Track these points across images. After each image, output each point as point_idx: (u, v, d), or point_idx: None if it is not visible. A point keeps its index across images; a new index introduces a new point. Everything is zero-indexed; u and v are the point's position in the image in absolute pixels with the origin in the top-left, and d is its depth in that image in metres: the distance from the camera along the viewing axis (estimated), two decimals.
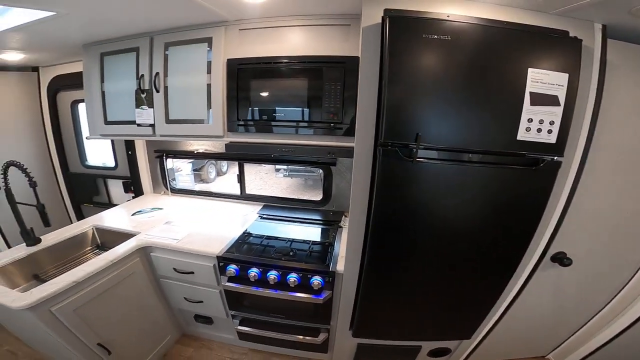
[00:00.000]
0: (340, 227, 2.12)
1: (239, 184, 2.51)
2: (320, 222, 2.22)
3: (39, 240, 1.84)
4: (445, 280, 1.50)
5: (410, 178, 1.25)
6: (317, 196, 2.38)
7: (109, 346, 1.71)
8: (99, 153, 2.88)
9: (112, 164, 2.77)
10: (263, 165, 2.57)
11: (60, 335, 1.50)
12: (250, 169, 2.73)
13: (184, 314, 2.21)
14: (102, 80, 2.05)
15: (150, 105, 1.94)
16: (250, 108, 1.77)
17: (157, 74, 1.89)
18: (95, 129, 2.14)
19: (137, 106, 1.96)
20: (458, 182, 1.25)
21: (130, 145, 2.58)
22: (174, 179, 2.69)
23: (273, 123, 1.75)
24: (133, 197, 2.80)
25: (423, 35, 1.08)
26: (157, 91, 1.91)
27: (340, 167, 2.22)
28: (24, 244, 1.81)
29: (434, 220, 1.33)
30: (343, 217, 2.23)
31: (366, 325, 1.71)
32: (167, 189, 2.67)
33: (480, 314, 1.67)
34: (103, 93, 2.07)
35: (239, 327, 1.99)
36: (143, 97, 1.95)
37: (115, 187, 2.89)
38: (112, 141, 2.70)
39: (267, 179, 2.65)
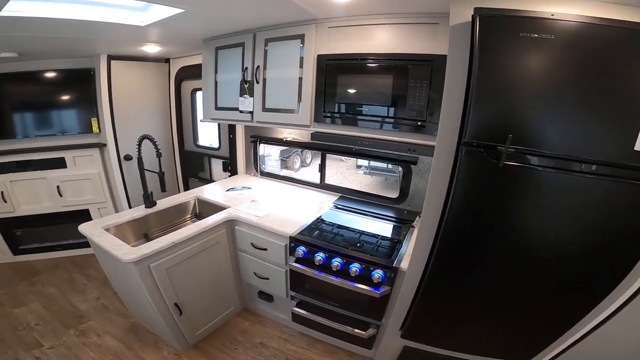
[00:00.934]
0: (413, 227, 2.08)
1: (319, 173, 2.66)
2: (393, 219, 2.22)
3: (154, 204, 2.26)
4: (516, 298, 1.37)
5: (494, 183, 1.17)
6: (394, 194, 2.38)
7: (182, 307, 1.94)
8: (207, 135, 3.35)
9: (216, 145, 3.21)
10: (345, 160, 2.67)
11: (149, 291, 1.77)
12: (332, 164, 2.85)
13: (250, 289, 2.41)
14: (216, 71, 2.39)
15: (251, 94, 2.20)
16: (336, 101, 1.87)
17: (258, 67, 2.13)
18: (208, 113, 2.52)
19: (241, 95, 2.24)
20: (554, 193, 1.13)
21: (232, 130, 2.95)
22: (263, 163, 2.98)
23: (358, 117, 1.82)
24: (229, 176, 3.19)
25: (520, 34, 1.02)
26: (257, 82, 2.15)
27: (422, 166, 2.17)
28: (143, 205, 2.24)
29: (516, 234, 1.24)
30: (417, 217, 2.19)
31: (418, 328, 1.69)
32: (256, 171, 2.98)
33: (550, 337, 1.48)
34: (216, 82, 2.41)
35: (295, 309, 2.10)
36: (246, 87, 2.21)
37: (217, 166, 3.33)
38: (219, 125, 3.12)
39: (347, 175, 2.73)
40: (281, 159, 3.22)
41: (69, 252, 3.31)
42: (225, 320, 2.40)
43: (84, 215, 3.20)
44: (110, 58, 2.88)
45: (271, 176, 2.93)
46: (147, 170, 2.16)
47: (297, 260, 1.92)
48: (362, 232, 2.00)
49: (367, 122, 1.78)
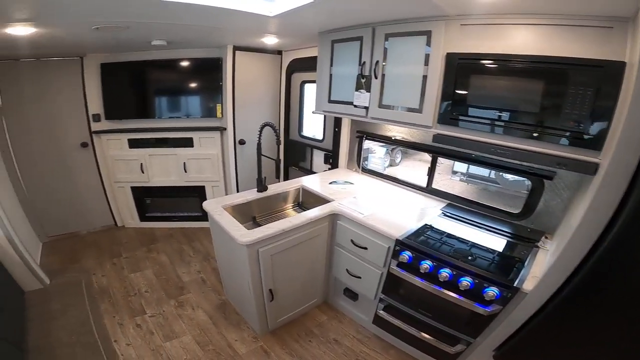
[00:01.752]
0: (537, 247, 1.81)
1: (427, 177, 2.50)
2: (509, 235, 1.95)
3: (266, 189, 2.38)
4: None
5: None
6: (500, 206, 2.14)
7: (274, 293, 2.01)
8: (312, 126, 3.44)
9: (320, 137, 3.26)
10: (441, 163, 2.47)
11: (252, 273, 1.86)
12: (418, 166, 2.69)
13: (336, 285, 2.40)
14: (331, 64, 2.39)
15: (368, 89, 2.14)
16: (467, 104, 1.69)
17: (377, 62, 2.05)
18: (321, 105, 2.55)
19: (357, 89, 2.20)
20: None
21: (338, 123, 2.96)
22: (365, 159, 2.94)
23: (496, 123, 1.60)
24: (329, 169, 3.22)
25: None
26: (376, 77, 2.08)
27: (558, 182, 1.86)
28: (255, 189, 2.37)
29: None
30: (543, 238, 1.90)
31: (518, 353, 1.55)
32: (358, 167, 2.95)
33: None
34: (331, 75, 2.42)
35: (381, 312, 2.03)
36: (362, 82, 2.16)
37: (318, 157, 3.39)
38: (325, 118, 3.16)
39: (438, 180, 2.52)
40: (382, 157, 3.13)
41: (182, 223, 3.77)
42: (306, 311, 2.44)
43: (200, 192, 3.59)
44: (235, 49, 3.13)
45: (373, 173, 2.86)
46: (264, 155, 2.28)
47: (400, 265, 1.82)
48: (473, 245, 1.81)
49: (507, 129, 1.57)
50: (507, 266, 1.64)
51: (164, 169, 3.43)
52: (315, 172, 3.41)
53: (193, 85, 3.29)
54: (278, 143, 2.16)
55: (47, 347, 2.06)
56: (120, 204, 3.61)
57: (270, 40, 2.85)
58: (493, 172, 2.34)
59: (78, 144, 3.26)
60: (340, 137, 2.97)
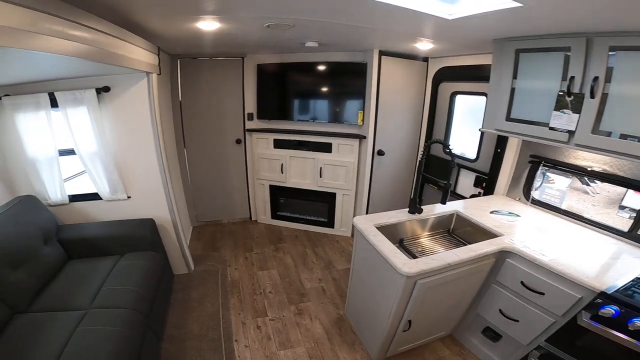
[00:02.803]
0: None
1: (632, 220, 1.91)
2: None
3: (420, 211, 2.14)
4: None
5: None
6: None
7: (413, 323, 1.86)
8: (461, 142, 3.06)
9: (472, 156, 2.86)
10: (591, 194, 1.85)
11: (399, 302, 1.70)
12: (579, 197, 2.09)
13: (476, 321, 2.12)
14: (514, 76, 2.00)
15: (576, 110, 1.70)
16: None
17: (596, 78, 1.60)
18: (493, 122, 2.17)
19: (557, 109, 1.77)
20: None
21: (501, 143, 2.53)
22: (536, 189, 2.43)
23: None
24: (479, 193, 2.81)
25: None
26: (592, 97, 1.63)
27: None
28: (406, 209, 2.15)
29: None
30: None
31: None
32: (525, 196, 2.46)
33: None
34: (512, 90, 2.02)
35: None
36: (567, 101, 1.72)
37: (466, 178, 3.00)
38: (481, 135, 2.76)
39: (592, 213, 1.90)
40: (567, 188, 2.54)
41: (307, 226, 3.82)
42: (431, 341, 2.25)
43: (330, 198, 3.57)
44: (381, 53, 2.96)
45: (547, 207, 2.34)
46: (431, 177, 2.05)
47: (596, 318, 1.45)
48: None
49: None
50: None
51: (301, 171, 3.51)
52: (458, 194, 3.05)
53: (336, 90, 3.26)
54: (453, 165, 1.89)
55: (179, 338, 2.21)
56: (258, 200, 3.86)
57: (424, 46, 2.58)
58: None
59: (234, 140, 3.59)
60: (502, 159, 2.54)
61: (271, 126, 3.53)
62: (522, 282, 1.76)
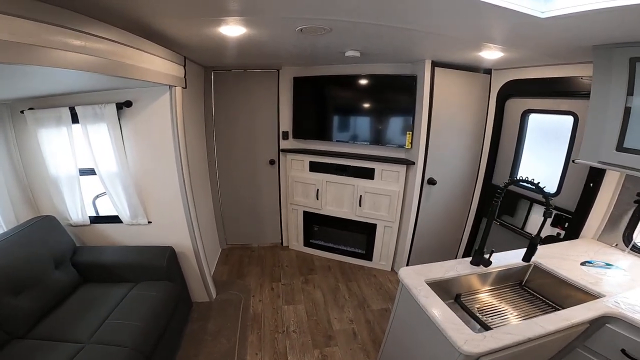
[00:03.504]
0: None
1: None
2: None
3: (489, 263, 1.67)
4: None
5: None
6: None
7: None
8: (534, 172, 2.51)
9: (552, 189, 2.31)
10: None
11: None
12: None
13: None
14: (630, 93, 1.51)
15: None
16: None
17: None
18: (595, 152, 1.64)
19: None
20: None
21: (595, 175, 1.99)
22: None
23: None
24: (558, 235, 2.25)
25: None
26: None
27: None
28: (467, 259, 1.70)
29: None
30: None
31: None
32: (625, 243, 1.88)
33: None
34: (627, 110, 1.52)
35: None
36: None
37: (538, 215, 2.45)
38: (566, 165, 2.22)
39: None
40: None
41: (341, 257, 3.42)
42: None
43: (369, 229, 3.15)
44: (434, 64, 2.55)
45: None
46: (520, 230, 1.59)
47: None
48: None
49: None
50: None
51: (338, 198, 3.15)
52: (526, 232, 2.49)
53: (381, 107, 2.88)
54: (547, 215, 1.44)
55: None
56: (290, 226, 3.55)
57: (490, 55, 2.13)
58: None
59: (267, 160, 3.34)
60: (595, 195, 1.98)
61: (307, 146, 3.24)
62: (623, 350, 1.34)
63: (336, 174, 3.07)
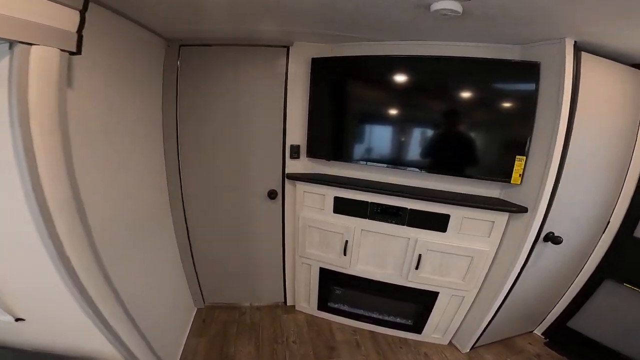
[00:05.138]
0: None
1: None
2: None
3: None
4: None
5: None
6: None
7: None
8: None
9: None
10: None
11: None
12: None
13: None
14: None
15: None
16: None
17: None
18: None
19: None
20: None
21: None
22: None
23: None
24: None
25: None
26: None
27: None
28: None
29: None
30: None
31: None
32: None
33: None
34: None
35: None
36: None
37: None
38: None
39: None
40: None
41: (374, 326, 2.30)
42: None
43: (426, 298, 2.02)
44: (579, 49, 1.40)
45: None
46: None
47: None
48: None
49: None
50: None
51: (380, 255, 1.99)
52: None
53: (467, 113, 1.69)
54: None
55: None
56: (298, 283, 2.38)
57: None
58: None
59: (265, 191, 2.12)
60: None
61: (330, 171, 2.05)
62: None
63: (380, 220, 1.88)
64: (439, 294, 1.97)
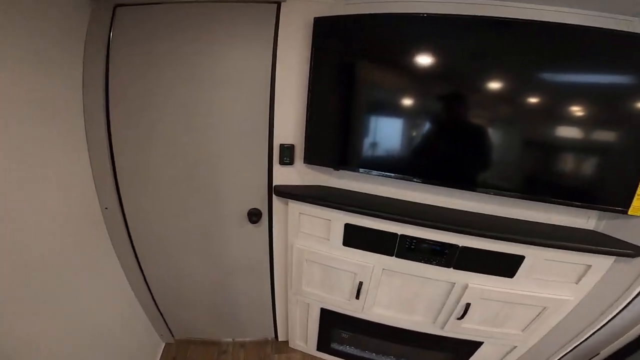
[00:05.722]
0: None
1: None
2: None
3: None
4: None
5: None
6: None
7: None
8: None
9: None
10: None
11: None
12: None
13: None
14: None
15: None
16: None
17: None
18: None
19: None
20: None
21: None
22: None
23: None
24: None
25: None
26: None
27: None
28: None
29: None
30: None
31: None
32: None
33: None
34: None
35: None
36: None
37: None
38: None
39: None
40: None
41: None
42: None
43: (463, 348, 1.52)
44: None
45: None
46: None
47: None
48: None
49: None
50: None
51: (407, 301, 1.43)
52: None
53: (552, 108, 1.06)
54: None
55: None
56: (292, 320, 1.82)
57: None
58: None
59: (243, 212, 1.48)
60: None
61: (338, 183, 1.44)
62: None
63: (413, 260, 1.30)
64: (482, 344, 1.47)
